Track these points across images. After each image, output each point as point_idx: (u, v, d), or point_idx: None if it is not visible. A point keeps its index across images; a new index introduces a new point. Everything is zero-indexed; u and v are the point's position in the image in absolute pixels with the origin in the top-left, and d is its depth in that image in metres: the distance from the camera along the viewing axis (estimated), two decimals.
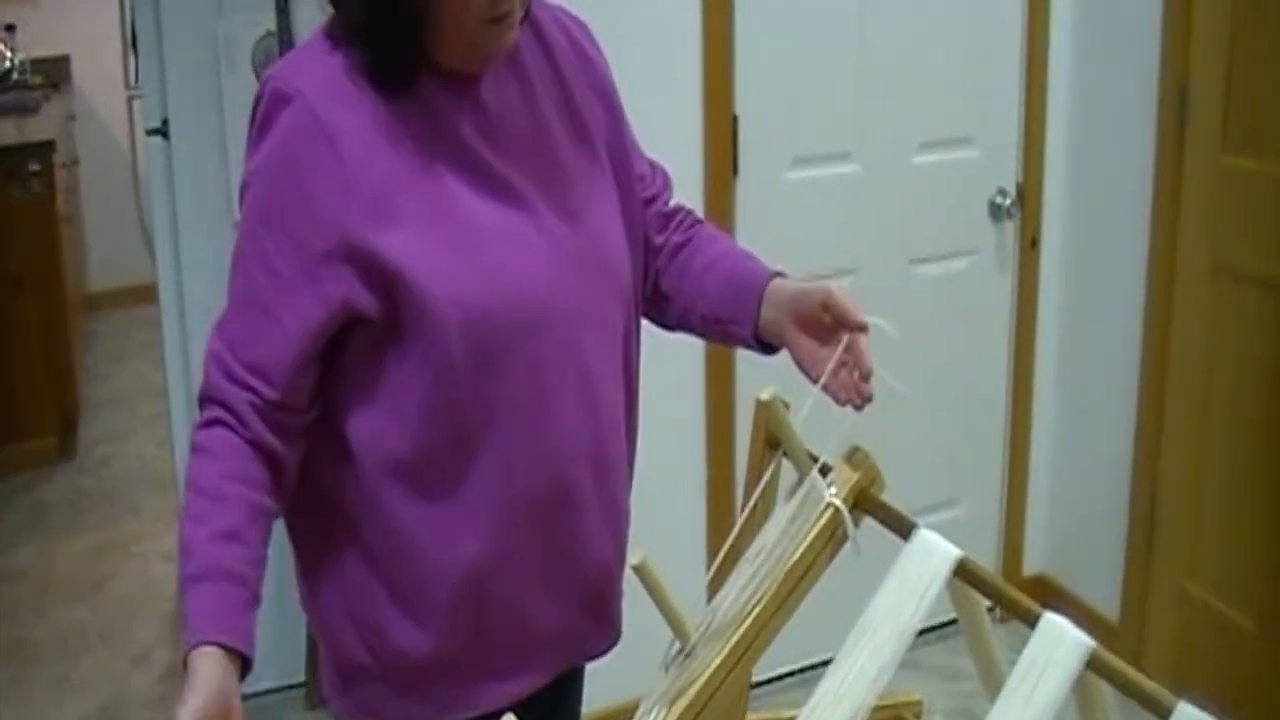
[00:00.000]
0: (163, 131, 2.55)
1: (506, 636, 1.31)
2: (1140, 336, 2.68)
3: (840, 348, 1.27)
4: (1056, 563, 3.00)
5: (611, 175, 1.35)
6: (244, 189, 1.22)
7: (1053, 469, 2.98)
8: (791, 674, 2.70)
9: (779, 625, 1.21)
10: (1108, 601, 2.82)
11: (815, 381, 1.27)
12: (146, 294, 4.04)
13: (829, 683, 1.12)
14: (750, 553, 1.22)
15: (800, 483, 1.23)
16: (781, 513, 1.23)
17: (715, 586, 1.27)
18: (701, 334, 1.44)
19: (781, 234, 2.51)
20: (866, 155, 2.63)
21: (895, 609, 1.13)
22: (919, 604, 1.13)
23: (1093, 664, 1.02)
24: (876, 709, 1.42)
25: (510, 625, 1.31)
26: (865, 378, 1.26)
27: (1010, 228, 2.82)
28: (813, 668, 2.70)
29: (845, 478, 1.24)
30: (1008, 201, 2.78)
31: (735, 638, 1.18)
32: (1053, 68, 2.76)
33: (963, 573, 1.14)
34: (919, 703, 1.58)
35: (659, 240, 1.45)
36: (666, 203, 1.47)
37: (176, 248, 2.59)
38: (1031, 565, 3.03)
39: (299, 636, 2.69)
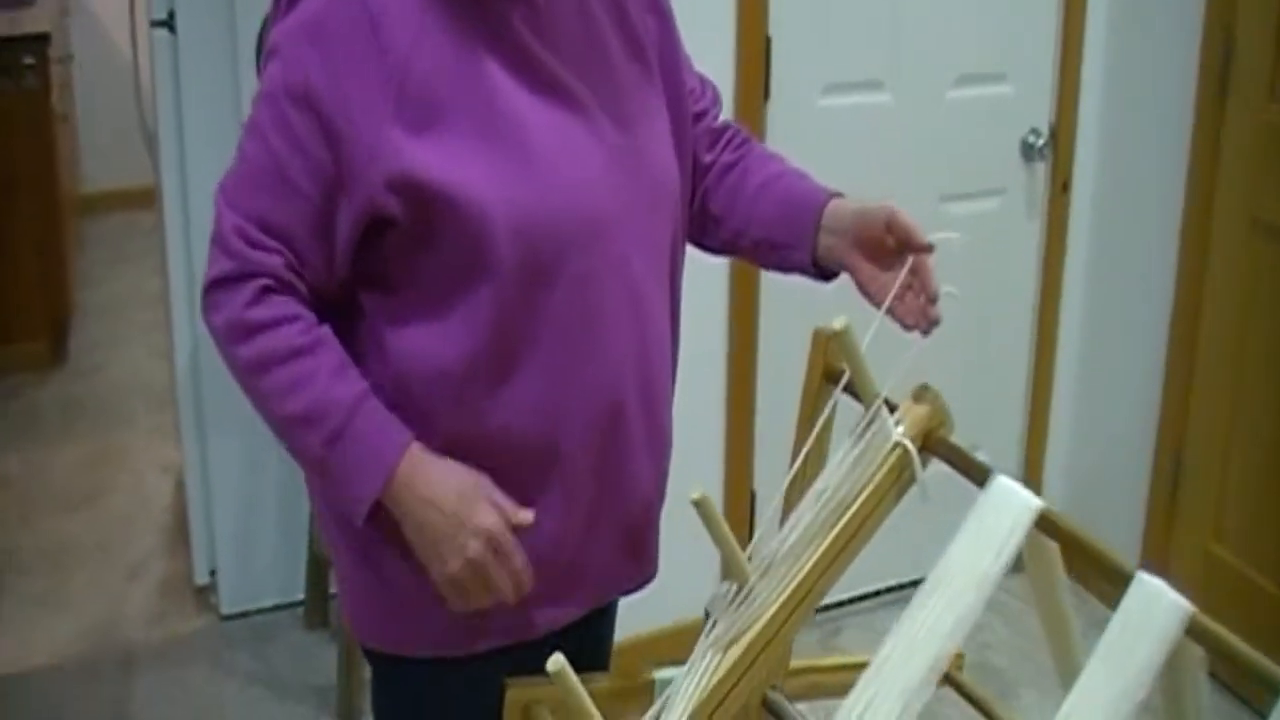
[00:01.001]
0: (169, 24, 2.43)
1: (542, 566, 1.26)
2: (1171, 289, 2.61)
3: (904, 270, 1.22)
4: (1073, 518, 2.94)
5: (662, 88, 1.29)
6: (268, 57, 1.14)
7: (1074, 423, 2.93)
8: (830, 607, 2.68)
9: (840, 570, 1.16)
10: (1125, 560, 2.76)
11: (879, 306, 1.23)
12: (144, 198, 3.94)
13: (901, 633, 1.08)
14: (811, 493, 1.16)
15: (867, 421, 1.17)
16: (845, 452, 1.17)
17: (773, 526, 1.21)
18: (752, 258, 1.38)
19: (811, 162, 2.36)
20: (900, 86, 2.56)
21: (972, 559, 1.08)
22: (998, 555, 1.08)
23: (1192, 630, 0.96)
24: None
25: (546, 554, 1.25)
26: (932, 300, 1.22)
27: (1041, 169, 2.76)
28: (853, 601, 2.71)
29: (914, 416, 1.19)
30: (1040, 142, 2.71)
31: (795, 582, 1.13)
32: (1091, 6, 2.67)
33: (1044, 524, 1.09)
34: (961, 656, 1.54)
35: (707, 159, 1.38)
36: (715, 118, 1.40)
37: (181, 150, 2.48)
38: None
39: (299, 554, 2.65)
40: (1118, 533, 2.79)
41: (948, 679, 1.48)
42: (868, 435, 1.16)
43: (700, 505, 1.07)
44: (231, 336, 1.15)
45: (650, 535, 1.37)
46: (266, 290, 1.14)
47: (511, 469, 1.19)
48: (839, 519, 1.14)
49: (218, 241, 1.15)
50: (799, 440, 1.31)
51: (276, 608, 2.70)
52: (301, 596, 2.67)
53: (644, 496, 1.32)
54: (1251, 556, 2.53)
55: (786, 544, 1.14)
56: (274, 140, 1.13)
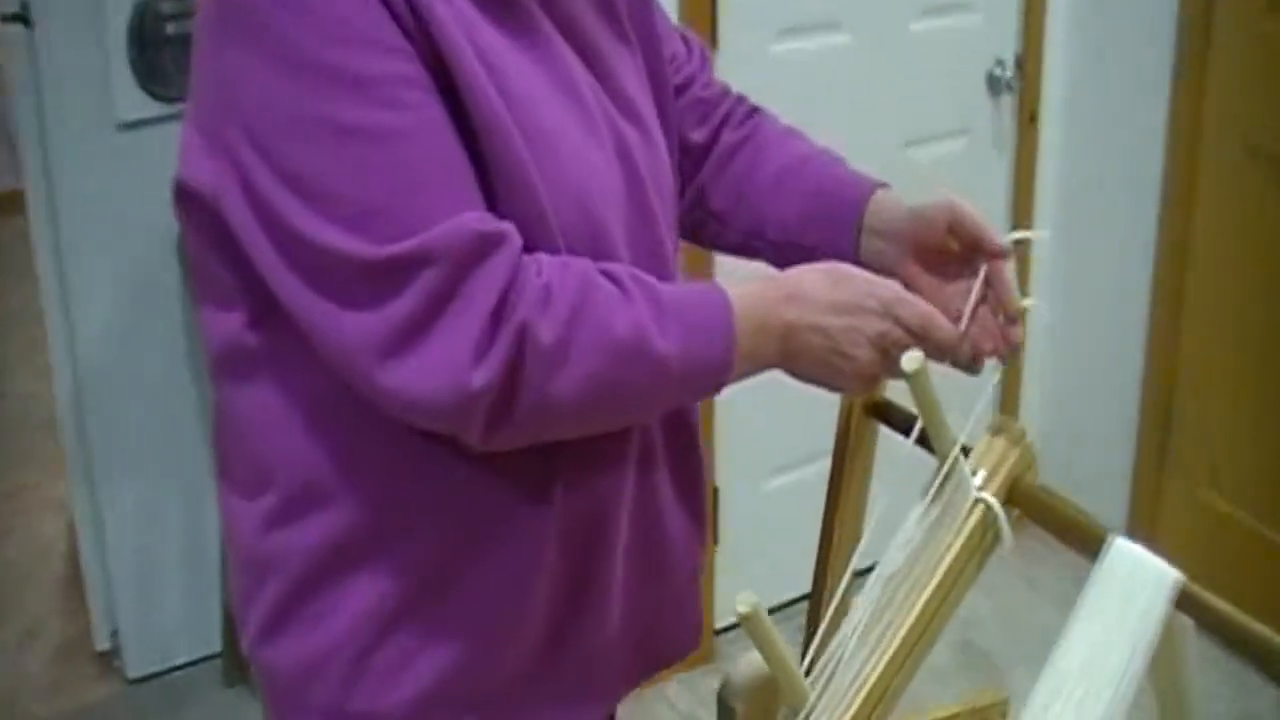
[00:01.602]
0: (23, 18, 2.14)
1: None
2: (1155, 222, 2.42)
3: (979, 283, 0.97)
4: (1055, 469, 2.76)
5: (641, 58, 1.00)
6: (243, 29, 0.82)
7: (1053, 368, 2.73)
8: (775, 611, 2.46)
9: (913, 671, 0.90)
10: (1114, 513, 2.60)
11: None
12: (10, 203, 3.55)
13: None
14: (876, 576, 0.90)
15: (943, 480, 0.91)
16: (916, 521, 0.90)
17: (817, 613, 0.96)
18: (771, 261, 1.09)
19: None
20: (859, 23, 2.32)
21: (1101, 654, 0.83)
22: (1133, 650, 0.82)
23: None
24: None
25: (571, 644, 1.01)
26: (1012, 319, 0.96)
27: (1009, 102, 2.55)
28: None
29: (995, 462, 0.93)
30: (1007, 74, 2.50)
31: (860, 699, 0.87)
32: None
33: (1187, 604, 0.84)
34: (1005, 700, 1.31)
35: (698, 138, 1.10)
36: (706, 86, 1.12)
37: (45, 155, 2.18)
38: None
39: (211, 603, 2.37)
40: (1104, 485, 2.62)
41: None
42: (944, 498, 0.90)
43: (749, 621, 0.80)
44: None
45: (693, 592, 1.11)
46: (519, 268, 0.82)
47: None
48: (912, 607, 0.88)
49: (411, 264, 0.79)
50: (836, 487, 1.06)
51: (190, 664, 2.42)
52: (218, 649, 2.39)
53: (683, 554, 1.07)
54: (1251, 506, 2.37)
55: (849, 649, 0.88)
56: (348, 108, 0.80)
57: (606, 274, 0.85)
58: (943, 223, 0.98)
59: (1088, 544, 0.88)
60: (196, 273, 0.94)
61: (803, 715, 0.87)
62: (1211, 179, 2.32)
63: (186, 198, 0.89)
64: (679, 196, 1.08)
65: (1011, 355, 0.98)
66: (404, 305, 0.79)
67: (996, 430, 0.95)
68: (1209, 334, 2.38)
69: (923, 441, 0.92)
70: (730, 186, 1.09)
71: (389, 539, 0.91)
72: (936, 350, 0.91)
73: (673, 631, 1.09)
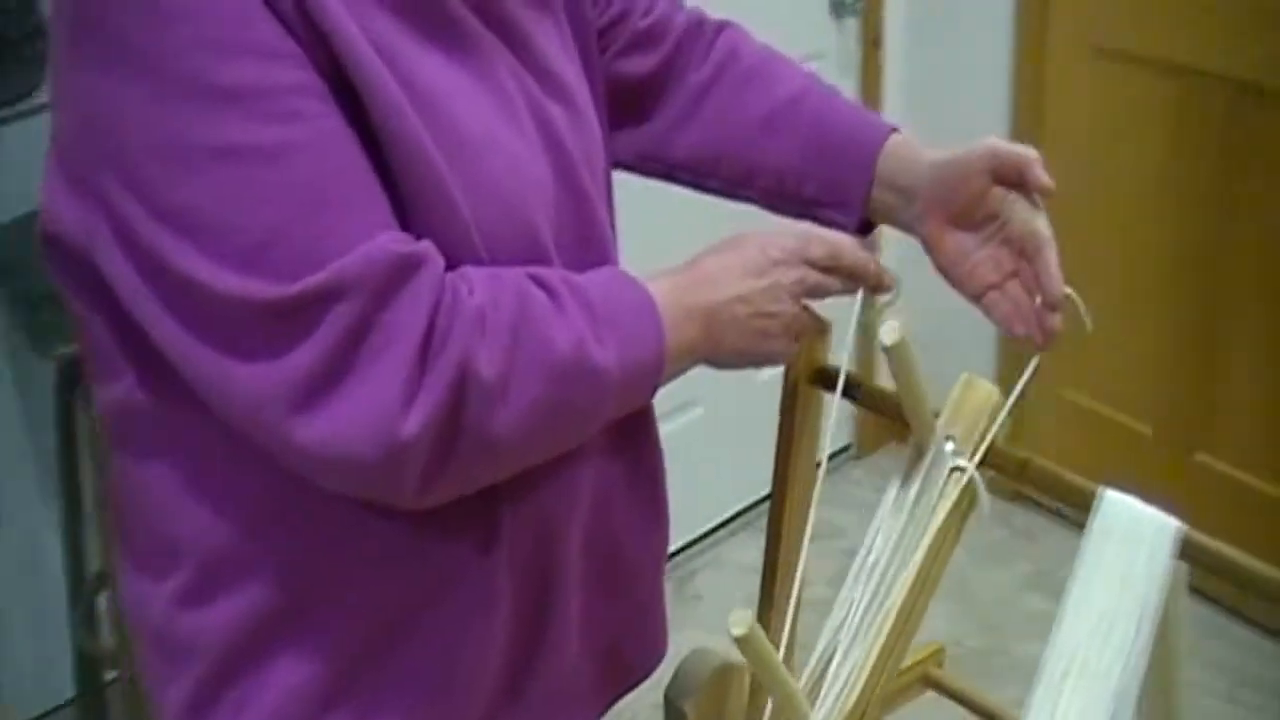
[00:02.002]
0: None
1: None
2: (1006, 133, 2.41)
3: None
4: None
5: (565, 16, 0.88)
6: (98, 47, 0.69)
7: (914, 280, 2.72)
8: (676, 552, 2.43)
9: (900, 658, 0.85)
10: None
11: (969, 296, 0.91)
12: None
13: None
14: (857, 567, 0.84)
15: (921, 458, 0.84)
16: (894, 505, 0.84)
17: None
18: (760, 206, 0.99)
19: None
20: None
21: (1107, 622, 0.78)
22: (1141, 608, 0.78)
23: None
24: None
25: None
26: (1052, 305, 0.88)
27: (853, 25, 2.51)
28: (699, 539, 2.48)
29: (966, 425, 0.87)
30: None
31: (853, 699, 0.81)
32: None
33: (1193, 554, 0.79)
34: (941, 650, 1.28)
35: (640, 69, 0.97)
36: (646, 13, 0.98)
37: None
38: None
39: (62, 648, 2.18)
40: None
41: (927, 679, 1.24)
42: (918, 479, 0.84)
43: (745, 642, 0.73)
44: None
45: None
46: (429, 286, 0.71)
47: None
48: (900, 593, 0.82)
49: (321, 290, 0.69)
50: (784, 458, 0.99)
51: (41, 716, 2.22)
52: (70, 695, 2.19)
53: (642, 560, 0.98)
54: (1116, 400, 2.42)
55: (841, 647, 0.82)
56: (232, 125, 0.68)
57: (538, 282, 0.76)
58: (983, 169, 0.88)
59: (1075, 500, 0.83)
60: (82, 336, 0.81)
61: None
62: (1060, 87, 2.32)
63: (55, 250, 0.76)
64: (615, 140, 0.97)
65: (1049, 345, 0.90)
66: (315, 348, 0.67)
67: (965, 390, 0.89)
68: (1066, 240, 2.40)
69: (871, 405, 0.86)
70: (705, 134, 0.97)
71: (315, 610, 0.81)
72: (850, 278, 0.86)
73: (641, 643, 1.01)
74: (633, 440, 0.92)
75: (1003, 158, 0.88)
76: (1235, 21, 2.04)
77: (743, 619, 0.72)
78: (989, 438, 0.86)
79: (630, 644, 0.99)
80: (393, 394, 0.68)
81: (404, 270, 0.69)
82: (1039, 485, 0.86)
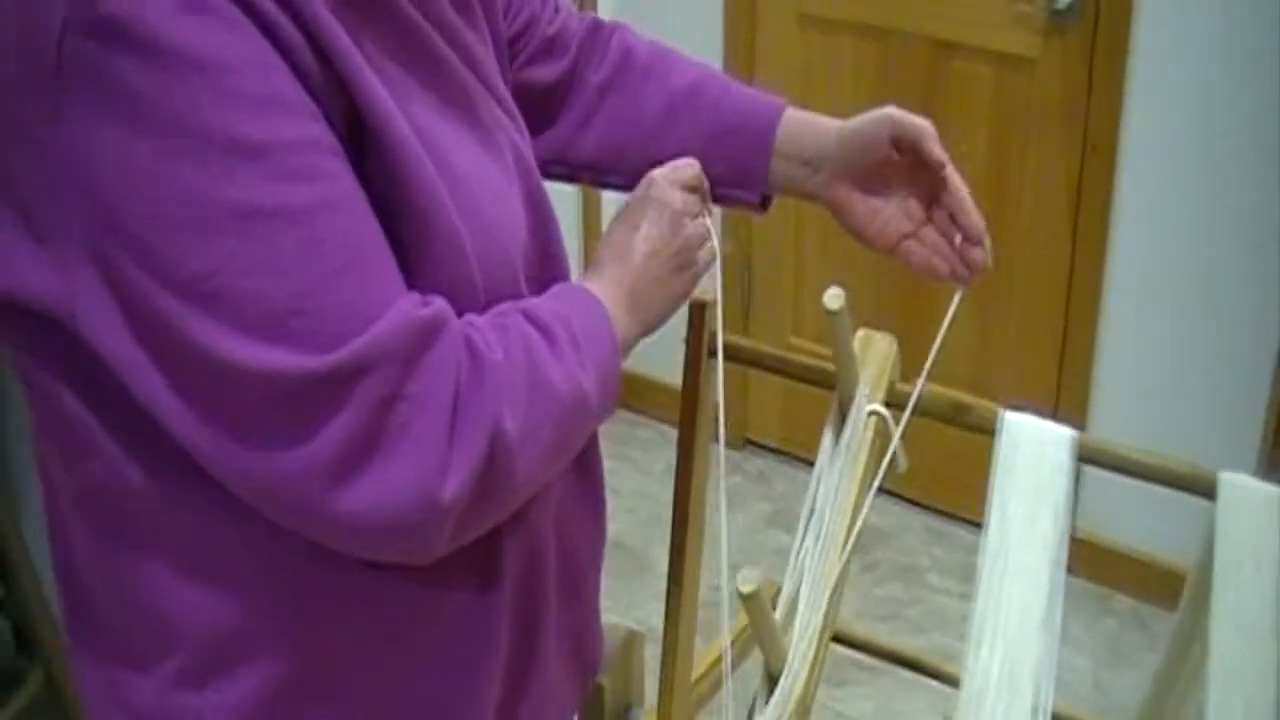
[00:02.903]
0: None
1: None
2: None
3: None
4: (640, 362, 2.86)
5: (488, 31, 0.90)
6: (94, 97, 0.63)
7: None
8: None
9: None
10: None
11: (885, 250, 0.96)
12: None
13: (983, 648, 0.88)
14: (805, 518, 0.92)
15: (848, 410, 0.94)
16: (829, 458, 0.94)
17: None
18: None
19: None
20: None
21: (1029, 527, 0.90)
22: (1056, 512, 0.90)
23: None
24: None
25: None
26: (975, 239, 0.94)
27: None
28: None
29: (873, 373, 0.98)
30: None
31: (815, 636, 0.90)
32: None
33: (1088, 454, 0.93)
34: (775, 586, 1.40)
35: (548, 75, 0.99)
36: (550, 21, 1.00)
37: None
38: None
39: None
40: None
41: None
42: (847, 429, 0.93)
43: (752, 601, 0.79)
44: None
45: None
46: (446, 338, 0.70)
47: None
48: (844, 537, 0.92)
49: (345, 381, 0.66)
50: (687, 426, 1.05)
51: None
52: None
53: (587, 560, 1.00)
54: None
55: (802, 591, 0.90)
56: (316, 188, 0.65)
57: (534, 322, 0.77)
58: (884, 138, 0.93)
59: (978, 422, 0.95)
60: (35, 406, 0.75)
61: (784, 676, 0.88)
62: (771, 55, 2.47)
63: (10, 315, 0.70)
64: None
65: (975, 280, 0.95)
66: (347, 423, 0.65)
67: (865, 345, 0.99)
68: (781, 207, 2.55)
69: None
70: (608, 132, 1.00)
71: (320, 679, 0.80)
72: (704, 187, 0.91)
73: (595, 638, 1.04)
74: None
75: (900, 128, 0.93)
76: None
77: (751, 578, 0.79)
78: (921, 383, 0.96)
79: (588, 641, 1.02)
80: (429, 463, 0.68)
81: (427, 336, 0.69)
82: (943, 415, 0.97)
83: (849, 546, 0.93)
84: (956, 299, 0.95)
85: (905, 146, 0.94)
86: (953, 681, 1.04)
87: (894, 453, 0.97)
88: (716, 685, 1.23)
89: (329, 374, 0.65)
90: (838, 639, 1.17)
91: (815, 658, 0.90)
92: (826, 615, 0.92)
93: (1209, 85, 1.98)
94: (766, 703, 0.89)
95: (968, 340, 2.35)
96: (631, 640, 1.14)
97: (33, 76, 0.64)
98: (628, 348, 0.86)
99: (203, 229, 0.63)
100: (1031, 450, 0.92)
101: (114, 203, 0.64)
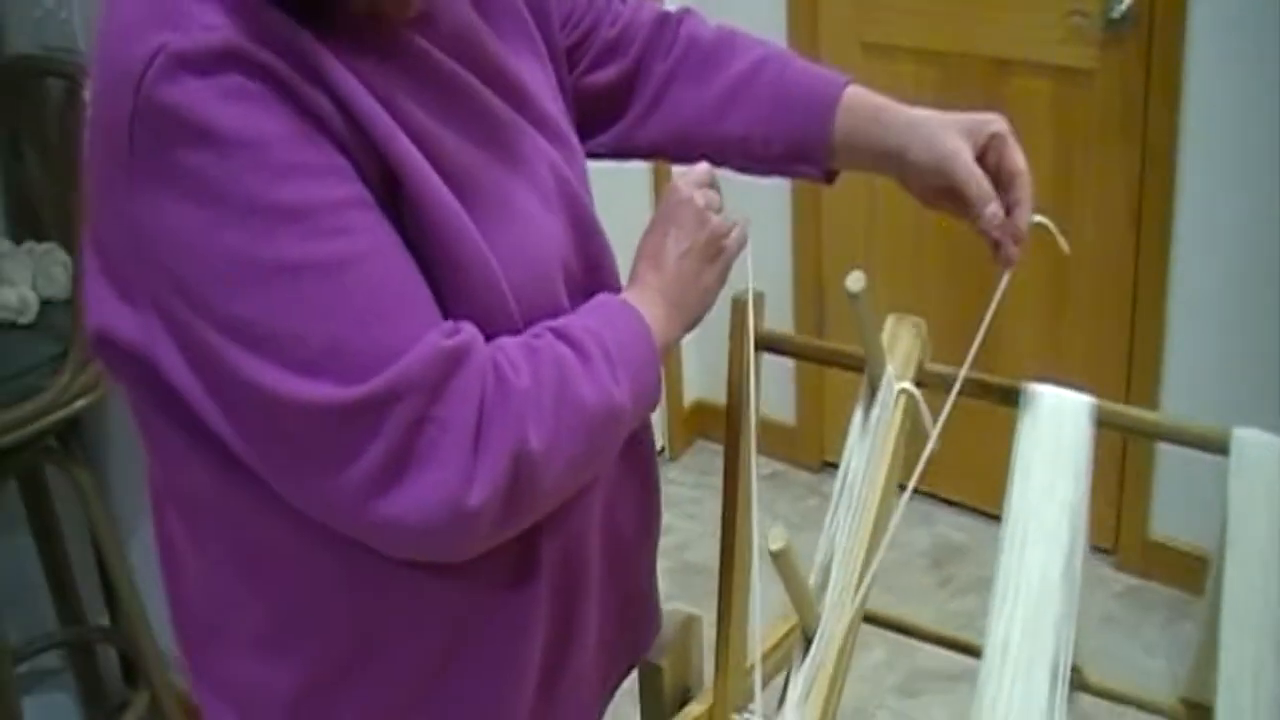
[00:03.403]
0: None
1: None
2: None
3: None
4: (716, 383, 2.92)
5: (543, 47, 0.97)
6: (157, 175, 0.73)
7: None
8: None
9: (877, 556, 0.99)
10: (784, 407, 2.84)
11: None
12: None
13: (1006, 605, 0.92)
14: (839, 488, 0.98)
15: (875, 389, 1.00)
16: (857, 433, 0.99)
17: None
18: (740, 170, 1.07)
19: None
20: None
21: (1048, 493, 0.95)
22: (1077, 477, 0.94)
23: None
24: None
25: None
26: (1017, 239, 0.98)
27: None
28: None
29: (903, 354, 1.03)
30: None
31: (853, 602, 0.95)
32: None
33: (1107, 419, 0.97)
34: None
35: (610, 75, 1.04)
36: (613, 23, 1.05)
37: None
38: (691, 392, 2.97)
39: None
40: (769, 386, 2.79)
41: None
42: (876, 406, 0.99)
43: (781, 557, 0.85)
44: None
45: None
46: (473, 363, 0.78)
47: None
48: (871, 511, 0.97)
49: (374, 401, 0.74)
50: (734, 418, 1.11)
51: None
52: None
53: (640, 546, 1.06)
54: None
55: (835, 560, 0.95)
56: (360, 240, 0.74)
57: (565, 339, 0.83)
58: (933, 180, 0.98)
59: (1004, 398, 1.00)
60: (139, 426, 0.86)
61: (817, 640, 0.94)
62: None
63: (110, 351, 0.81)
64: (596, 139, 1.06)
65: (1008, 267, 0.98)
66: (383, 444, 0.73)
67: (895, 327, 1.04)
68: (850, 237, 2.60)
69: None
70: (673, 120, 1.04)
71: (368, 663, 0.87)
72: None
73: (641, 623, 1.08)
74: (633, 434, 0.97)
75: (954, 184, 0.97)
76: (984, 7, 2.30)
77: (780, 536, 0.84)
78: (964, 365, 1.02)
79: (632, 626, 1.06)
80: (456, 478, 0.74)
81: (453, 365, 0.75)
82: (971, 392, 1.02)
83: (879, 520, 0.98)
84: (1004, 281, 0.99)
85: (955, 203, 0.98)
86: None
87: (925, 430, 1.02)
88: (774, 669, 1.28)
89: (362, 403, 0.73)
90: (884, 623, 1.22)
91: (849, 625, 0.95)
92: (859, 585, 0.96)
93: (1264, 89, 2.00)
94: (801, 664, 0.94)
95: (1037, 344, 2.38)
96: (690, 624, 1.19)
97: (116, 155, 0.74)
98: (670, 346, 0.93)
99: (248, 283, 0.72)
100: (1052, 418, 0.97)
101: (175, 262, 0.73)
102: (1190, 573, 2.28)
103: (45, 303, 1.80)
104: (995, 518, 2.56)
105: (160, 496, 0.89)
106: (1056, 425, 0.97)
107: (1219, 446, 0.91)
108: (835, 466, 2.92)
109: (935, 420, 1.01)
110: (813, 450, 2.83)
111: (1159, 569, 2.37)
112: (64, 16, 1.79)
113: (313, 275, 0.72)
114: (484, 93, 0.86)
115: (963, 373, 1.00)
